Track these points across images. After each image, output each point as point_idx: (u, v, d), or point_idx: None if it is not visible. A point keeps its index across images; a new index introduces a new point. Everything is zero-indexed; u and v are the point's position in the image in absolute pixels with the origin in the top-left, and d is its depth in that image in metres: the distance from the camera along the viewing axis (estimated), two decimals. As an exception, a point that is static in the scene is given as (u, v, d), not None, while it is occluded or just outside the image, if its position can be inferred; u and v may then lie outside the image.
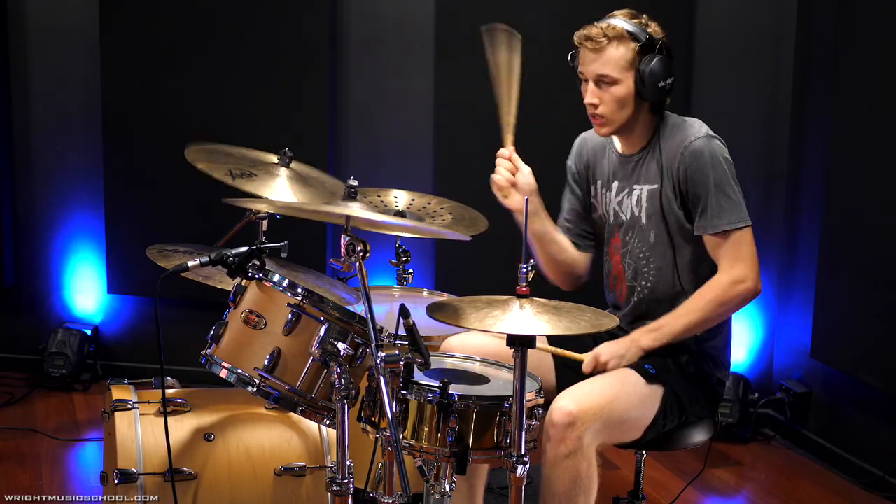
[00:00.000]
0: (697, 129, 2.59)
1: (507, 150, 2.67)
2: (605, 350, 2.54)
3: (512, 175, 2.67)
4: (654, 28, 2.57)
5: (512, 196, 2.67)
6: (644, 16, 2.59)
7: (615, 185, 2.69)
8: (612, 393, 2.46)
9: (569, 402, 2.39)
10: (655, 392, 2.53)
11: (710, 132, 2.59)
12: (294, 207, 2.59)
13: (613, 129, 2.62)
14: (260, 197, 2.73)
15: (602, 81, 2.56)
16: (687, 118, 2.65)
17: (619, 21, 2.55)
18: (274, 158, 2.90)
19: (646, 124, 2.62)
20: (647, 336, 2.56)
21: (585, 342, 2.74)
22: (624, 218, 2.67)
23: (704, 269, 2.60)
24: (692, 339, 2.61)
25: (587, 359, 2.54)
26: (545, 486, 2.41)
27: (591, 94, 2.59)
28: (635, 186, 2.63)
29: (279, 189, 2.79)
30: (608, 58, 2.54)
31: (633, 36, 2.53)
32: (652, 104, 2.60)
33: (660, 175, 2.58)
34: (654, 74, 2.52)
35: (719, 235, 2.53)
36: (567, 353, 2.60)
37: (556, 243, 2.79)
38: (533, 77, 4.13)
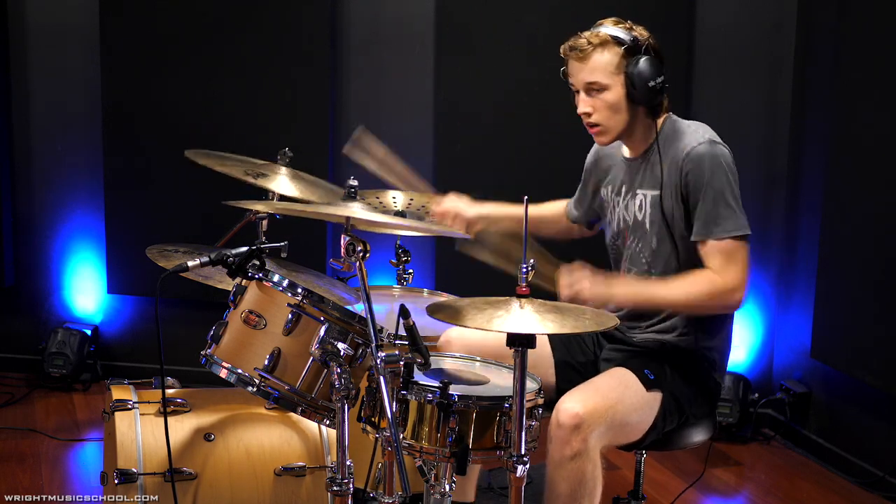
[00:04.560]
0: (701, 134, 2.55)
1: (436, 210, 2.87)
2: (585, 281, 2.47)
3: (452, 215, 2.85)
4: (639, 31, 2.56)
5: (466, 226, 2.84)
6: (628, 21, 2.58)
7: (623, 189, 2.69)
8: (616, 396, 2.45)
9: (575, 403, 2.38)
10: (655, 397, 2.53)
11: (715, 138, 2.55)
12: (294, 208, 2.58)
13: (612, 137, 2.61)
14: (260, 198, 2.73)
15: (592, 89, 2.56)
16: (692, 122, 2.62)
17: (603, 27, 2.56)
18: (271, 165, 2.90)
19: (646, 128, 2.61)
20: (623, 291, 2.51)
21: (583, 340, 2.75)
22: (630, 222, 2.66)
23: None
24: (688, 340, 2.61)
25: (563, 281, 2.48)
26: (549, 487, 2.41)
27: (582, 104, 2.59)
28: (638, 191, 2.62)
29: (284, 186, 2.79)
30: (594, 64, 2.54)
31: (617, 40, 2.53)
32: (647, 106, 2.57)
33: (661, 181, 2.56)
34: (642, 75, 2.51)
35: (715, 242, 2.48)
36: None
37: (536, 219, 2.87)
38: (533, 77, 4.17)
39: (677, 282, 2.53)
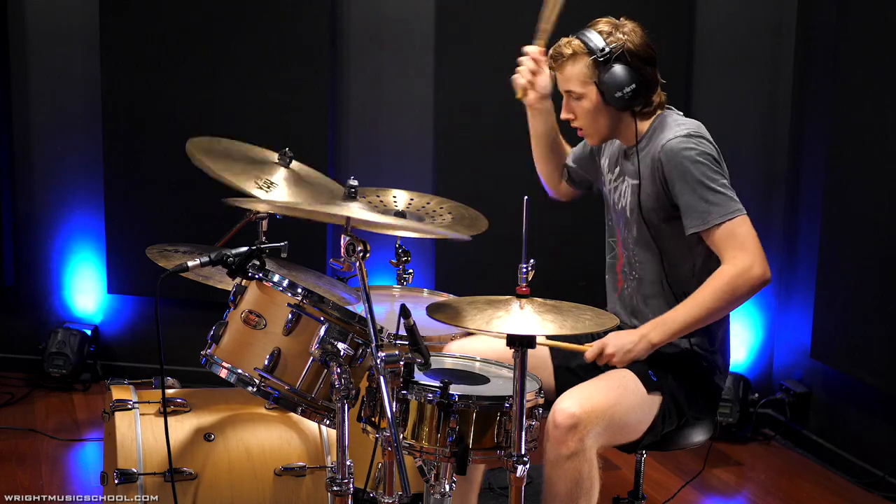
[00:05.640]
0: (681, 129, 2.55)
1: (535, 49, 2.76)
2: (612, 342, 2.48)
3: (532, 75, 2.77)
4: (622, 34, 2.54)
5: (529, 95, 2.80)
6: (620, 21, 2.58)
7: (616, 170, 2.72)
8: (615, 396, 2.46)
9: (571, 403, 2.38)
10: (654, 398, 2.53)
11: (694, 132, 2.54)
12: (294, 208, 2.58)
13: (600, 139, 2.67)
14: (259, 198, 2.73)
15: (571, 97, 2.62)
16: (680, 118, 2.63)
17: (583, 35, 2.57)
18: (273, 156, 2.90)
19: (634, 125, 2.62)
20: (657, 330, 2.49)
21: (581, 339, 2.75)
22: (620, 206, 2.68)
23: (687, 268, 2.60)
24: (688, 345, 2.61)
25: (591, 348, 2.50)
26: (547, 487, 2.41)
27: (564, 110, 2.66)
28: (626, 178, 2.66)
29: (282, 190, 2.79)
30: (568, 74, 2.60)
31: (588, 50, 2.55)
32: (627, 111, 2.58)
33: (639, 172, 2.59)
34: (609, 85, 2.53)
35: (714, 230, 2.48)
36: (567, 345, 2.58)
37: (558, 146, 2.92)
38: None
39: (696, 296, 2.50)
